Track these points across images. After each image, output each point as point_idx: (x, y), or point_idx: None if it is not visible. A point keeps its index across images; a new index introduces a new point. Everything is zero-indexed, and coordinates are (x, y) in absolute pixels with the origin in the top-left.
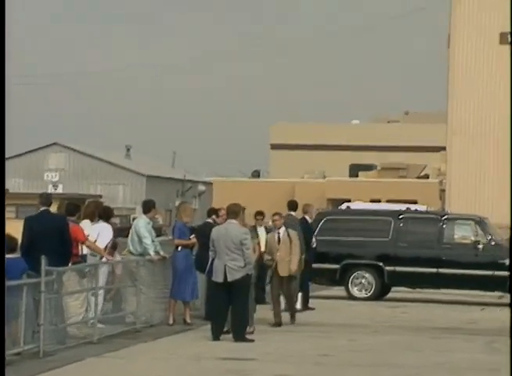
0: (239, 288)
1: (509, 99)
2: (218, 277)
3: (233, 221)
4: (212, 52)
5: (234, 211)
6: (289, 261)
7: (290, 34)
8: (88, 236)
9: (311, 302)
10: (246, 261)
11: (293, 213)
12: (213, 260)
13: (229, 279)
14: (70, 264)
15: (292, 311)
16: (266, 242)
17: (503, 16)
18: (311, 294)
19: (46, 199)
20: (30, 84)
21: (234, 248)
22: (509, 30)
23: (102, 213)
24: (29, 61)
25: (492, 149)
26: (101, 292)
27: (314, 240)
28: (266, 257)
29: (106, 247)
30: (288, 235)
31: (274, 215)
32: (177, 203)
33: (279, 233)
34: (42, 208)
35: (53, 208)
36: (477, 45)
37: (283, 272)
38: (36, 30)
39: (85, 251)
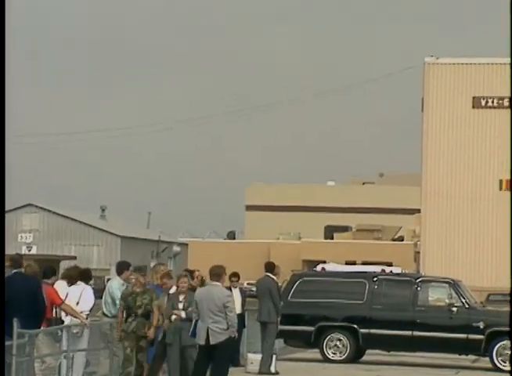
0: (221, 351)
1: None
2: (200, 340)
3: (216, 283)
4: (186, 115)
5: (217, 274)
6: None
7: (264, 96)
8: (66, 298)
9: (286, 365)
10: (230, 323)
11: (270, 275)
12: (196, 322)
13: (212, 342)
14: (41, 327)
15: None
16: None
17: (476, 80)
18: (286, 356)
19: (15, 261)
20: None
21: (217, 311)
22: (481, 94)
23: (82, 275)
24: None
25: (465, 212)
26: (83, 354)
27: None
28: (166, 323)
29: (91, 310)
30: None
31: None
32: (152, 264)
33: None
34: (14, 270)
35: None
36: (450, 109)
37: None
38: (15, 90)
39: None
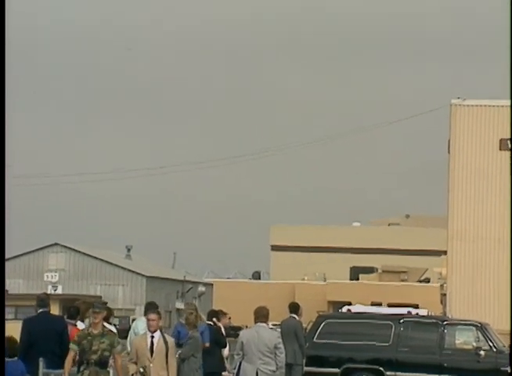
0: None
1: (509, 204)
2: None
3: (263, 324)
4: (210, 155)
5: (264, 315)
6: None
7: (290, 136)
8: None
9: None
10: (279, 365)
11: (295, 316)
12: (240, 363)
13: None
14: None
15: None
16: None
17: (502, 122)
18: None
19: (42, 301)
20: (31, 184)
21: (267, 352)
22: (508, 136)
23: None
24: (29, 162)
25: (492, 254)
26: None
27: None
28: (132, 367)
29: None
30: (165, 341)
31: (150, 314)
32: (177, 304)
33: (152, 338)
34: (40, 310)
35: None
36: (477, 151)
37: None
38: (36, 130)
39: None
